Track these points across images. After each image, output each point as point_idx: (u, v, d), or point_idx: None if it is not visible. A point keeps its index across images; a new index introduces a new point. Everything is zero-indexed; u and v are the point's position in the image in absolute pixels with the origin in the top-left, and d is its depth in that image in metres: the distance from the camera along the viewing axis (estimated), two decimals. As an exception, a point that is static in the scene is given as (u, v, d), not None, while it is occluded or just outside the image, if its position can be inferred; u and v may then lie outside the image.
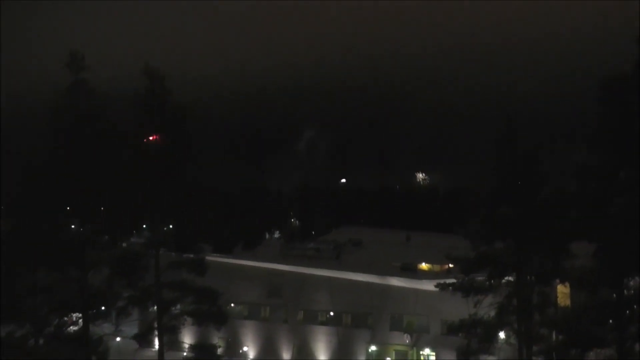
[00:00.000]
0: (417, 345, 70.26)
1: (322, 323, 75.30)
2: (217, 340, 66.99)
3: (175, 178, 44.25)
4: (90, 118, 43.18)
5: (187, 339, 54.44)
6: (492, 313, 40.97)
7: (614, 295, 34.22)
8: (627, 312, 34.03)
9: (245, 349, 76.39)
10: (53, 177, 42.95)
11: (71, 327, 44.42)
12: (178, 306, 46.15)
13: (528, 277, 41.18)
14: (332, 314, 74.60)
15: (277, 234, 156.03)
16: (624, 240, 32.45)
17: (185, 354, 45.22)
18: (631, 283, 34.25)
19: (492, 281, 40.90)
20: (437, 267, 74.22)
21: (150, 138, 44.31)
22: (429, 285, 59.30)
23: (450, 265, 62.43)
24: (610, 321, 34.64)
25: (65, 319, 43.99)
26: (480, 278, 41.42)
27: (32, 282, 42.17)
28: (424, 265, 76.68)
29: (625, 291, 34.11)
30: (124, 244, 46.84)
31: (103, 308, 44.75)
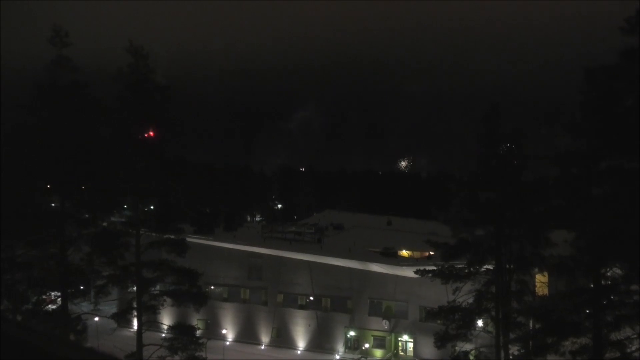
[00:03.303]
0: (396, 330, 70.54)
1: (302, 306, 75.35)
2: (197, 321, 66.95)
3: (157, 157, 43.96)
4: (73, 94, 42.72)
5: (166, 320, 54.37)
6: (471, 300, 41.26)
7: (591, 284, 34.47)
8: (604, 301, 34.30)
9: (224, 330, 76.34)
10: (34, 153, 42.54)
11: (50, 305, 44.17)
12: (158, 286, 45.96)
13: (507, 265, 41.46)
14: (311, 297, 74.65)
15: (258, 217, 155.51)
16: (603, 229, 32.66)
17: (164, 334, 45.05)
18: (608, 273, 34.50)
19: (472, 268, 41.13)
20: (417, 254, 74.37)
21: (135, 118, 43.92)
22: (408, 272, 59.45)
23: (431, 253, 62.63)
24: (587, 310, 34.93)
25: (44, 296, 43.72)
26: (459, 265, 41.63)
27: (11, 258, 41.80)
28: (404, 252, 76.73)
29: (602, 280, 34.37)
30: (104, 223, 46.49)
31: (82, 287, 44.53)
